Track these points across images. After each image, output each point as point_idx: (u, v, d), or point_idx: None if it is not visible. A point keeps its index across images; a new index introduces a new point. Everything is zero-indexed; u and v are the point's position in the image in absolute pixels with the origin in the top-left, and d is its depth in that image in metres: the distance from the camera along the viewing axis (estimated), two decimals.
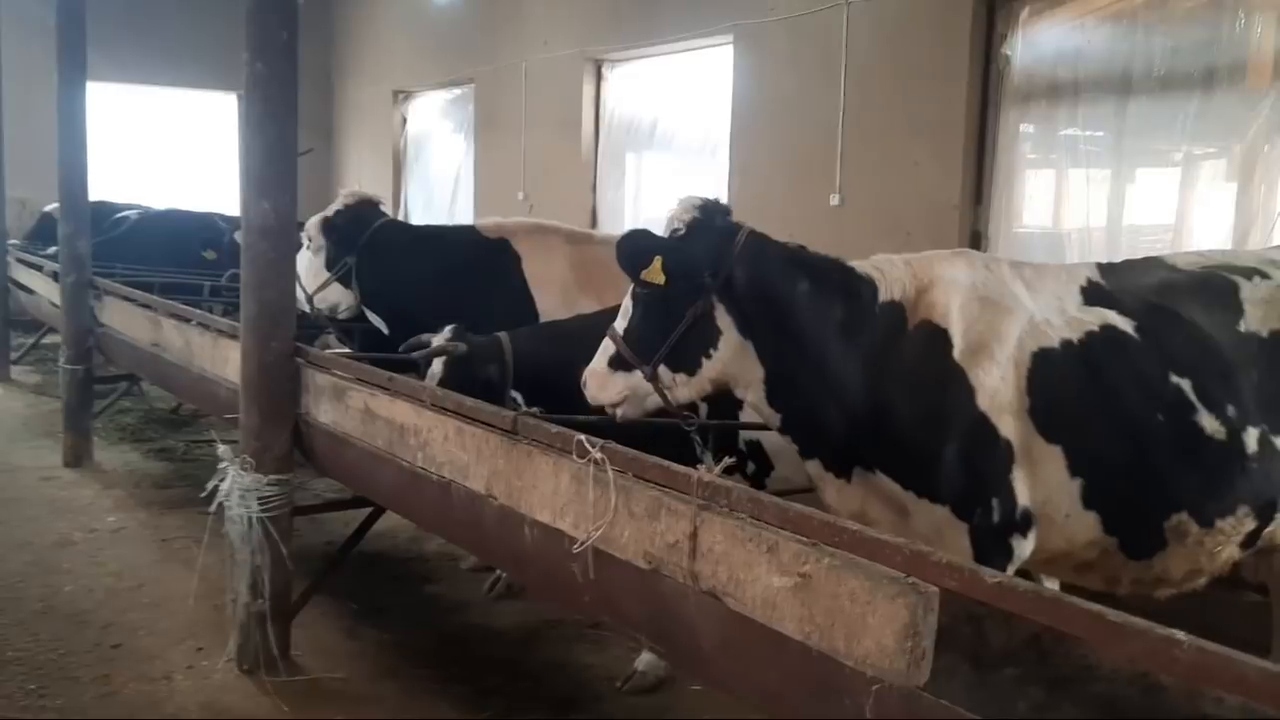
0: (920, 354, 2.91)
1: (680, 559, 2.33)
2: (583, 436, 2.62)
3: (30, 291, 9.40)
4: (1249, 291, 3.08)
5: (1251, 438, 2.89)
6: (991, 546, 2.78)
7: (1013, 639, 2.39)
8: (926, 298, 2.96)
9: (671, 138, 9.33)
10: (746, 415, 3.88)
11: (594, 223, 9.79)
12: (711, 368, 2.99)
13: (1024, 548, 2.84)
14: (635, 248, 2.99)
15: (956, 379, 2.84)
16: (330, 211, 5.04)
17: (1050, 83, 6.37)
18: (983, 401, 2.82)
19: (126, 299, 6.35)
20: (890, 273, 3.03)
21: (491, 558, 3.28)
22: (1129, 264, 3.29)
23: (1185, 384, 2.89)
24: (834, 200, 7.35)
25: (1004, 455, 2.82)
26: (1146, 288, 3.08)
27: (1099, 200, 6.28)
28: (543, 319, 4.99)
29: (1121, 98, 6.03)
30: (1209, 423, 2.87)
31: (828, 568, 1.99)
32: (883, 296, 2.98)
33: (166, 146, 14.80)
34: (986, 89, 6.60)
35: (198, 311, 5.34)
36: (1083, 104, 6.24)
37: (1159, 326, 2.97)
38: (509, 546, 2.94)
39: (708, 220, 3.03)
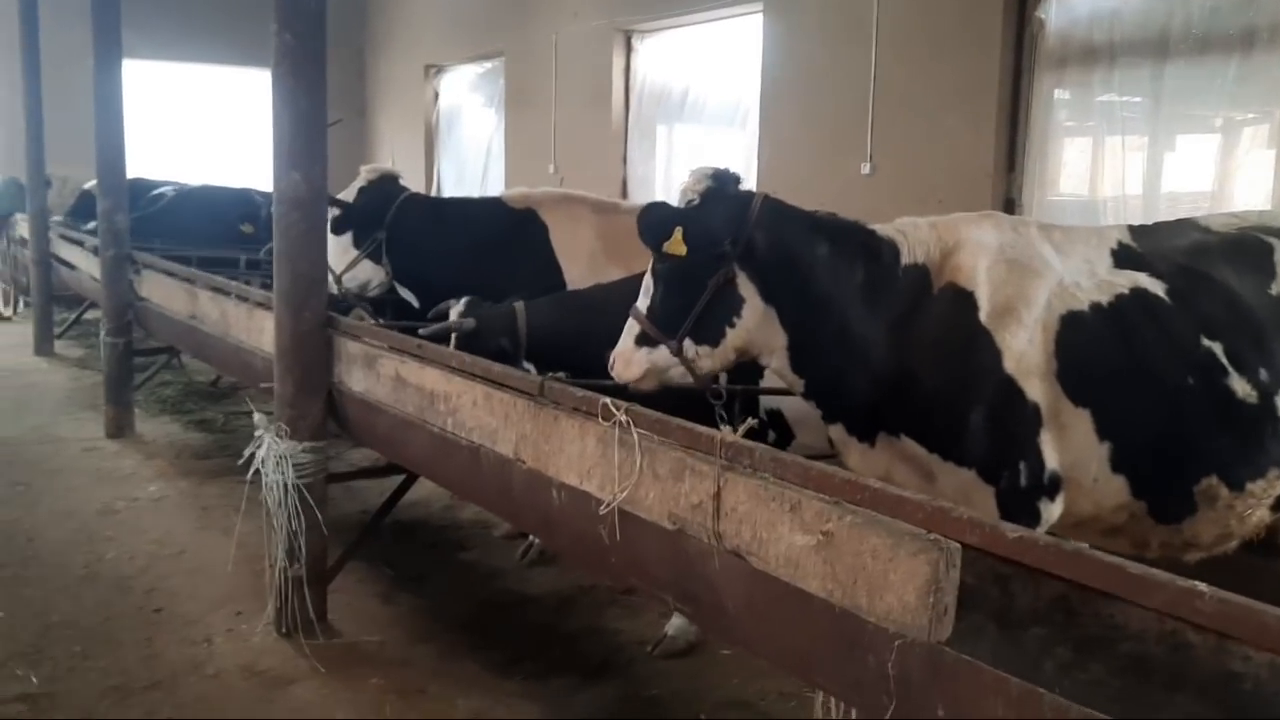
0: (946, 316, 2.89)
1: (704, 519, 2.35)
2: (608, 400, 2.64)
3: (72, 267, 9.55)
4: None
5: None
6: (1018, 510, 2.77)
7: (1039, 599, 2.39)
8: (952, 260, 2.94)
9: (702, 108, 9.30)
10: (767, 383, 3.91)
11: (625, 194, 9.79)
12: (735, 337, 2.97)
13: (1051, 511, 2.83)
14: (655, 219, 2.97)
15: (983, 341, 2.82)
16: (353, 189, 5.06)
17: (1085, 46, 6.28)
18: (1009, 364, 2.80)
19: (165, 272, 6.43)
20: (914, 235, 3.00)
21: (521, 521, 3.32)
22: (1161, 226, 3.26)
23: (1217, 347, 2.86)
24: (865, 169, 7.31)
25: (1032, 418, 2.80)
26: (1178, 250, 3.05)
27: (1135, 167, 6.20)
28: (571, 287, 5.00)
29: (1158, 61, 5.94)
30: (1240, 386, 2.85)
31: (850, 525, 2.00)
32: (905, 259, 2.96)
33: (201, 123, 14.93)
34: (1020, 53, 6.52)
35: (233, 283, 5.40)
36: (1119, 68, 6.15)
37: (1191, 289, 2.94)
38: (538, 509, 2.97)
39: (721, 188, 3.02)
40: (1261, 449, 2.86)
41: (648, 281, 3.08)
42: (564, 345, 3.84)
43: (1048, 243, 3.01)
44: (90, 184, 11.82)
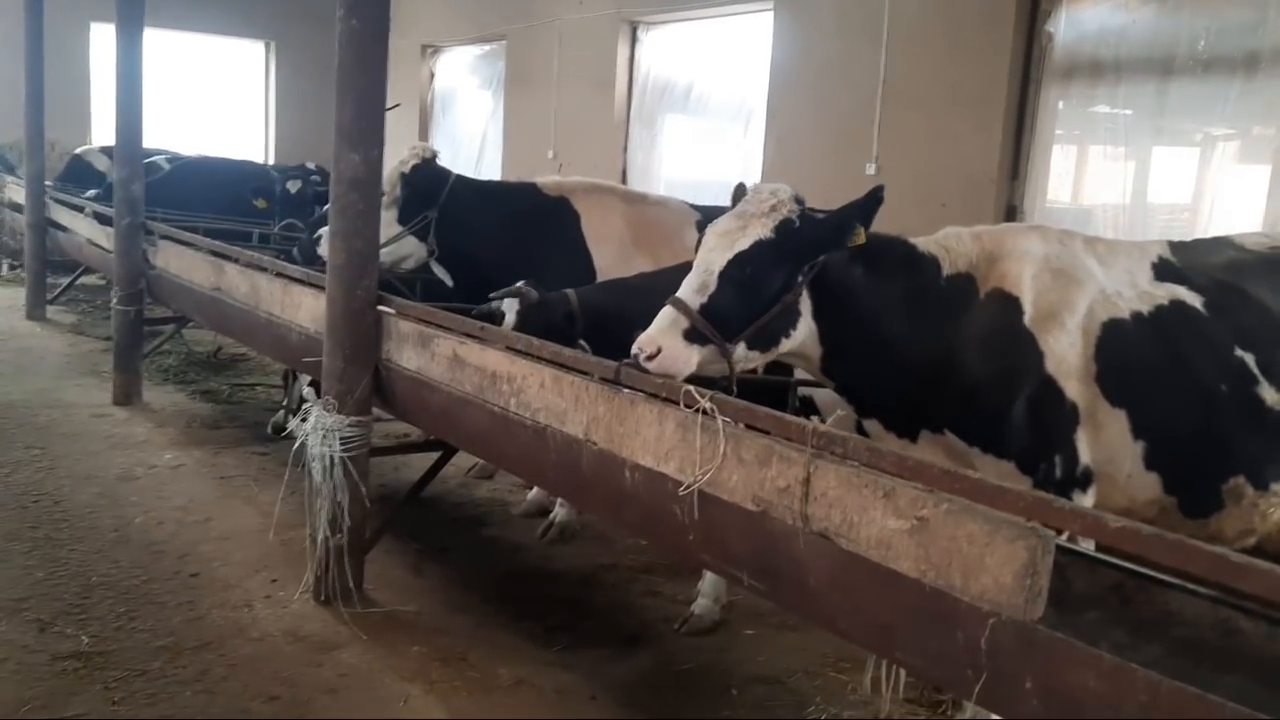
0: (992, 319, 3.09)
1: (791, 502, 2.51)
2: (691, 388, 2.79)
3: (66, 231, 9.51)
4: None
5: None
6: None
7: (1096, 585, 2.60)
8: (998, 267, 3.13)
9: (706, 102, 9.45)
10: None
11: (624, 183, 9.91)
12: (785, 346, 3.06)
13: (1085, 501, 3.05)
14: (843, 220, 3.01)
15: (1027, 343, 3.03)
16: (407, 167, 5.15)
17: (1092, 61, 6.51)
18: (1051, 365, 3.02)
19: (187, 244, 6.48)
20: (957, 247, 3.19)
21: (587, 498, 3.45)
22: (1200, 242, 3.51)
23: (1249, 357, 3.11)
24: (870, 169, 7.49)
25: (1069, 416, 3.02)
26: (1215, 266, 3.29)
27: (1136, 180, 6.44)
28: (600, 275, 5.14)
29: (1163, 79, 6.18)
30: (1270, 394, 3.09)
31: (945, 512, 2.18)
32: (947, 270, 3.14)
33: (189, 92, 14.82)
34: (1028, 65, 6.74)
35: (268, 258, 5.47)
36: (1124, 84, 6.38)
37: (1226, 303, 3.18)
38: (607, 488, 3.12)
39: (805, 210, 3.07)
40: None
41: (702, 279, 2.99)
42: (614, 327, 3.99)
43: (1092, 255, 3.23)
44: (82, 149, 11.82)
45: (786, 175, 8.06)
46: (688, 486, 2.77)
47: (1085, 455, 3.04)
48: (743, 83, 8.92)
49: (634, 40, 9.98)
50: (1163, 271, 3.25)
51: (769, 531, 2.59)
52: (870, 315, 3.08)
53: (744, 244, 2.95)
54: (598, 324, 4.18)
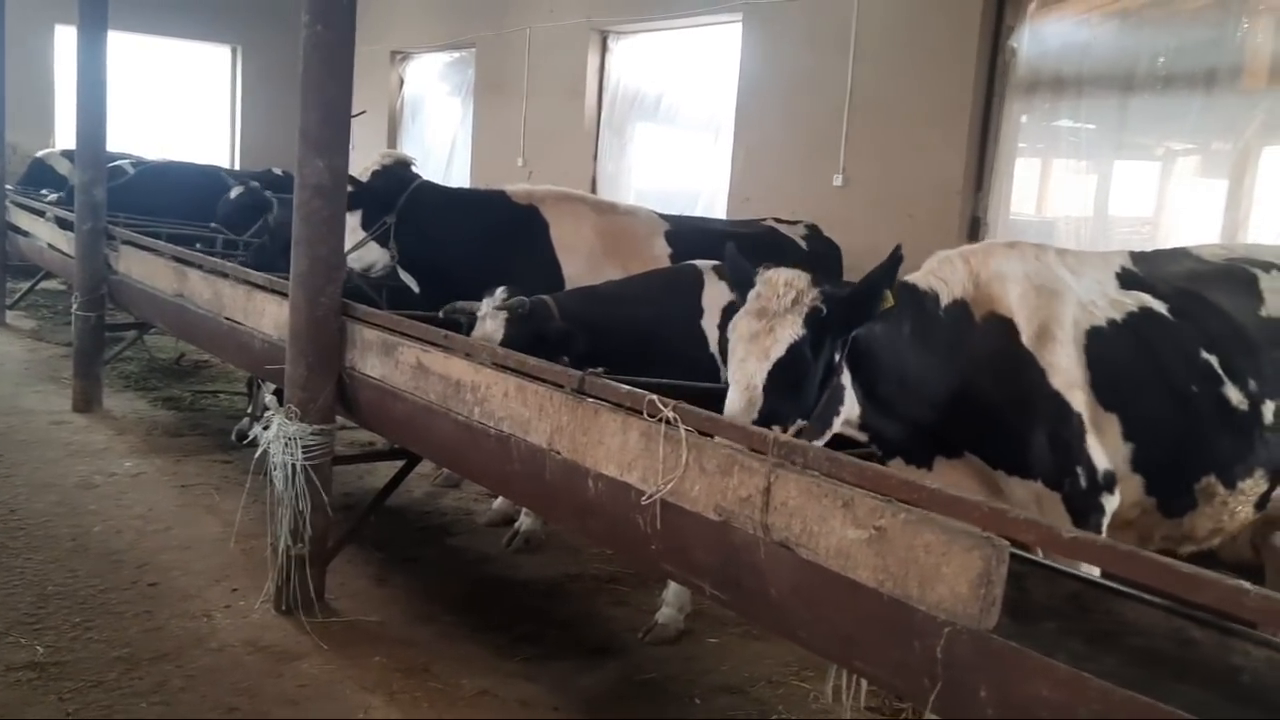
0: (993, 344, 3.11)
1: (752, 512, 2.52)
2: (654, 397, 2.80)
3: (27, 235, 9.39)
4: (1268, 282, 3.45)
5: (1269, 409, 3.25)
6: (1086, 507, 3.05)
7: (1054, 595, 2.62)
8: (988, 291, 3.16)
9: (675, 112, 9.48)
10: None
11: (594, 192, 9.92)
12: (838, 423, 2.95)
13: (1112, 503, 3.11)
14: (870, 291, 2.88)
15: (1030, 363, 3.08)
16: (369, 172, 5.14)
17: (1055, 76, 6.59)
18: (1055, 380, 3.07)
19: (150, 249, 6.42)
20: (951, 276, 3.19)
21: (551, 508, 3.44)
22: (1158, 253, 3.62)
23: (1214, 359, 3.22)
24: (837, 180, 7.55)
25: (1079, 426, 3.08)
26: (1175, 274, 3.41)
27: (1098, 193, 6.52)
28: (568, 285, 5.13)
29: (1124, 94, 6.26)
30: (1234, 394, 3.20)
31: (903, 522, 2.19)
32: (945, 301, 3.14)
33: (154, 96, 14.69)
34: (993, 79, 6.81)
35: (230, 265, 5.43)
36: (1086, 98, 6.47)
37: (1188, 308, 3.29)
38: (571, 498, 3.12)
39: (826, 291, 2.89)
40: (1251, 450, 3.22)
41: (747, 397, 2.77)
42: (593, 336, 4.00)
43: (1064, 267, 3.31)
44: (44, 152, 11.68)
45: (755, 186, 8.19)
46: (650, 496, 2.78)
47: (1101, 460, 3.10)
48: (712, 93, 8.96)
49: (604, 49, 10.00)
50: (1127, 280, 3.34)
51: (731, 541, 2.60)
52: (892, 363, 3.03)
53: (779, 351, 2.76)
54: (580, 331, 4.15)
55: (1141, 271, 3.38)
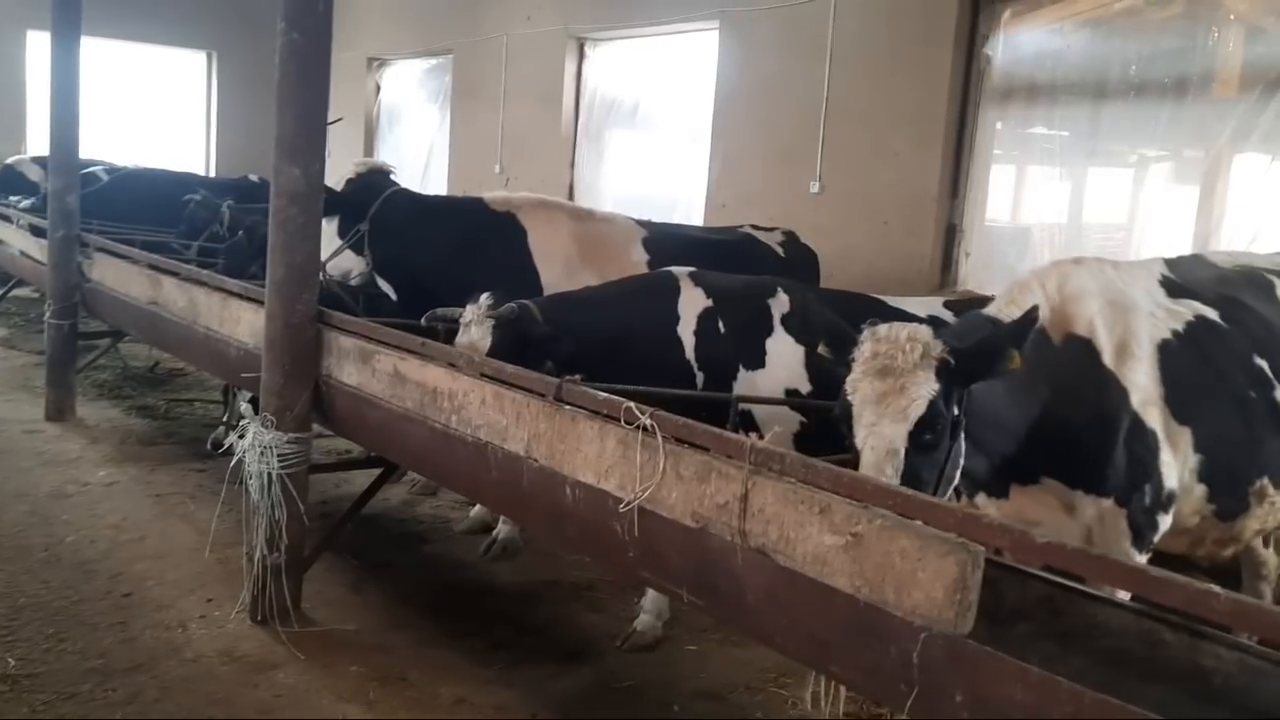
0: (1075, 366, 3.10)
1: (730, 519, 2.53)
2: (631, 404, 2.80)
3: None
4: None
5: None
6: (1144, 525, 3.07)
7: (1026, 598, 2.64)
8: (1064, 312, 3.13)
9: (653, 119, 9.49)
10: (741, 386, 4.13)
11: (571, 198, 9.92)
12: (956, 475, 2.86)
13: (1166, 522, 3.13)
14: (993, 347, 2.79)
15: (1111, 383, 3.08)
16: (342, 180, 5.12)
17: (1029, 84, 6.65)
18: (1135, 399, 3.08)
19: (123, 257, 6.37)
20: (1029, 303, 3.05)
21: (528, 515, 3.44)
22: (1182, 259, 3.65)
23: (1265, 364, 3.29)
24: (814, 187, 7.58)
25: (1154, 444, 3.09)
26: (1208, 280, 3.46)
27: (1071, 200, 6.58)
28: (546, 291, 5.12)
29: (1097, 102, 6.32)
30: None
31: (879, 528, 2.21)
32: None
33: (129, 102, 14.57)
34: (967, 86, 6.86)
35: (206, 273, 5.39)
36: (1059, 106, 6.53)
37: (1236, 314, 3.35)
38: (548, 505, 3.12)
39: (948, 345, 2.84)
40: None
41: (893, 464, 2.64)
42: (573, 342, 3.98)
43: (1119, 278, 3.31)
44: (14, 158, 11.54)
45: (732, 193, 8.21)
46: (628, 503, 2.79)
47: (1170, 480, 3.11)
48: (689, 100, 8.97)
49: (581, 56, 10.00)
50: (1171, 288, 3.38)
51: (708, 548, 2.61)
52: (983, 401, 2.94)
53: (919, 409, 2.64)
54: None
55: (1180, 278, 3.42)
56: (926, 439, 2.64)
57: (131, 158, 11.96)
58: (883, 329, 2.77)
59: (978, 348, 2.76)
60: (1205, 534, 3.34)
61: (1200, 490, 3.20)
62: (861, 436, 2.69)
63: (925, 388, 2.64)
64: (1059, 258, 3.62)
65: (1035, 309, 2.85)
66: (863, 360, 2.74)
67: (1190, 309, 3.30)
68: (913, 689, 2.16)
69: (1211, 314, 3.32)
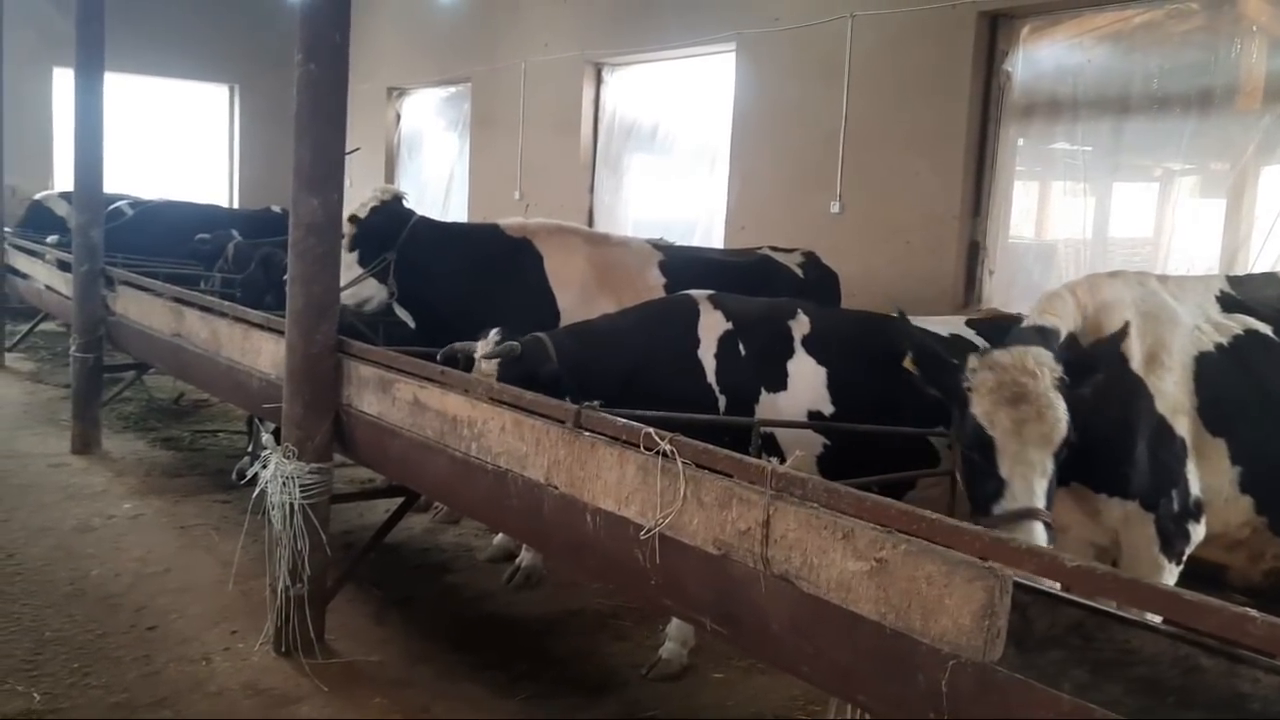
0: (1105, 372, 3.09)
1: (752, 545, 2.49)
2: (651, 430, 2.77)
3: (25, 277, 9.39)
4: None
5: None
6: (1174, 531, 3.09)
7: (1057, 624, 2.58)
8: (1097, 321, 3.21)
9: (671, 143, 9.50)
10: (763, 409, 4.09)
11: (590, 224, 9.94)
12: None
13: (1198, 532, 3.14)
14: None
15: (1139, 389, 3.13)
16: (367, 209, 5.13)
17: (1050, 99, 6.61)
18: (1162, 406, 3.12)
19: (146, 290, 6.41)
20: (1063, 311, 3.22)
21: (548, 544, 3.41)
22: (1252, 277, 3.74)
23: None
24: (834, 208, 7.55)
25: (1180, 452, 3.12)
26: (1272, 297, 3.48)
27: (1096, 215, 6.52)
28: (563, 317, 5.12)
29: (1119, 116, 6.27)
30: None
31: (904, 553, 2.16)
32: (1063, 335, 3.15)
33: (153, 136, 14.75)
34: (987, 103, 6.82)
35: (227, 304, 5.41)
36: (1081, 121, 6.48)
37: None
38: (569, 533, 3.08)
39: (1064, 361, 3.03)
40: None
41: (1044, 484, 2.83)
42: (591, 373, 3.96)
43: (1167, 293, 3.36)
44: (42, 194, 11.71)
45: (751, 214, 8.19)
46: (649, 530, 2.74)
47: (1196, 487, 3.14)
48: (707, 123, 8.98)
49: (599, 81, 10.04)
50: (1228, 303, 3.42)
51: (730, 575, 2.56)
52: None
53: (1061, 433, 2.82)
54: (576, 370, 4.09)
55: (1239, 294, 3.46)
56: (1062, 456, 2.81)
57: (156, 191, 12.10)
58: (999, 355, 2.89)
59: (1078, 362, 2.91)
60: (1263, 548, 3.33)
61: (1246, 502, 3.19)
62: (1007, 466, 2.80)
63: (1060, 409, 2.80)
64: (1090, 273, 3.66)
65: (1127, 325, 3.01)
66: (988, 390, 2.86)
67: (1241, 324, 3.32)
68: (942, 718, 2.10)
69: (1265, 329, 3.33)
